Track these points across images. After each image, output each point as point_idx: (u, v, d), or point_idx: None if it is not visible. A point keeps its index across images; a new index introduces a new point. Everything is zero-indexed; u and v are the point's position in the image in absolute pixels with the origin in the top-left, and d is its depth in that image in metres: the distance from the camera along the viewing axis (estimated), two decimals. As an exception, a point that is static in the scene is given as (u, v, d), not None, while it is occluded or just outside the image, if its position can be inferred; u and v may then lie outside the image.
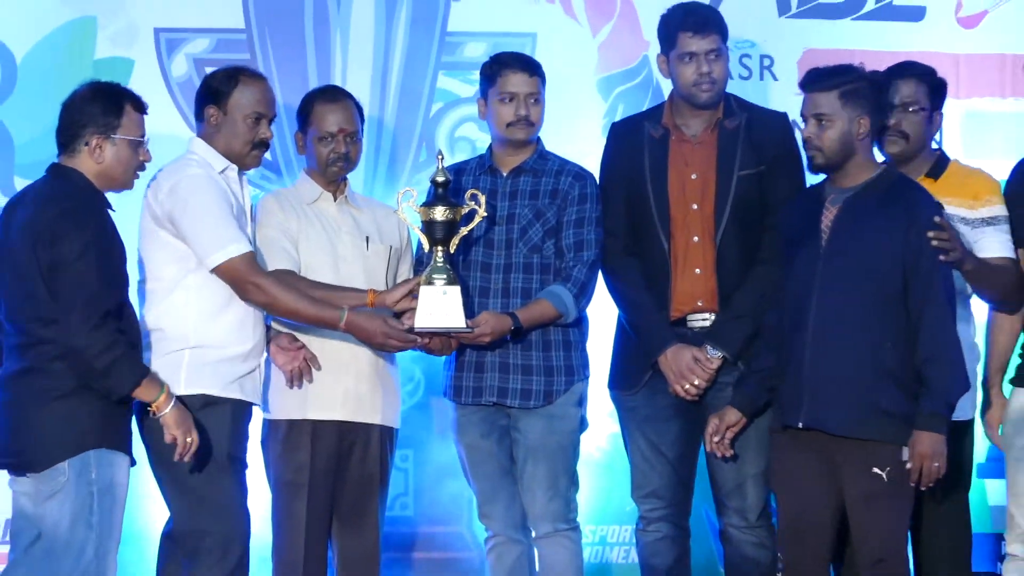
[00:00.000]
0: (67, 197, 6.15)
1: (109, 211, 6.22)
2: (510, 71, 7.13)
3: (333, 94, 7.14)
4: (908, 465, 6.36)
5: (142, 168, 6.36)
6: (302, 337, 6.86)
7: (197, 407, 6.32)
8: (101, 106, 6.22)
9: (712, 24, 7.01)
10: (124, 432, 6.18)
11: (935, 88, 7.02)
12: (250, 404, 6.61)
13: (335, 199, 7.07)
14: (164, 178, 6.47)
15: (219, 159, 6.54)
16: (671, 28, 7.06)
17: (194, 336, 6.40)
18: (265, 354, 6.66)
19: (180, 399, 6.29)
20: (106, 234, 6.10)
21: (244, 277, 6.38)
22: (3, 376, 6.20)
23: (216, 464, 6.39)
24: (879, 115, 6.66)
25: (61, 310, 5.99)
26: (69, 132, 6.24)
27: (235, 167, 6.59)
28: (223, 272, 6.36)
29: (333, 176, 7.04)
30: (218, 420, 6.41)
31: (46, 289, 6.02)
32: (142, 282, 6.52)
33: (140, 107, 6.29)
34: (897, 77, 6.96)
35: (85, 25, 8.29)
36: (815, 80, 6.63)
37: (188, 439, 6.13)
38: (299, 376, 6.79)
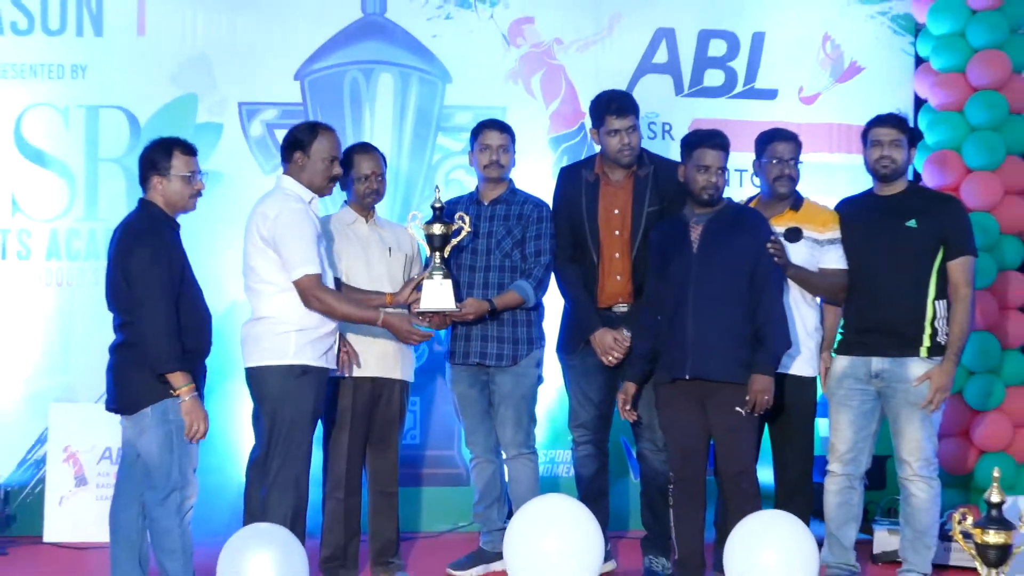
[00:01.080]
0: (139, 224, 6.36)
1: (175, 230, 6.42)
2: (488, 129, 7.46)
3: (366, 148, 7.35)
4: (747, 398, 6.71)
5: (198, 195, 6.48)
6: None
7: (298, 373, 6.58)
8: (156, 154, 6.41)
9: (629, 108, 7.30)
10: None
11: (800, 147, 7.29)
12: (327, 369, 6.78)
13: (367, 222, 7.29)
14: (269, 208, 6.65)
15: (306, 192, 6.72)
16: (600, 111, 7.34)
17: (298, 322, 6.59)
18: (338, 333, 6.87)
19: (277, 368, 6.56)
20: (165, 248, 6.26)
21: (310, 291, 6.55)
22: (112, 346, 6.43)
23: (302, 417, 6.62)
24: None
25: (137, 304, 6.22)
26: (141, 175, 6.47)
27: (316, 197, 6.78)
28: (297, 284, 6.55)
29: (367, 205, 7.29)
30: (311, 383, 6.62)
31: (128, 288, 6.24)
32: (253, 282, 6.69)
33: (188, 151, 6.46)
34: (781, 140, 7.24)
35: (189, 100, 8.61)
36: (714, 142, 6.91)
37: (195, 428, 6.27)
38: (346, 364, 7.00)
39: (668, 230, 7.03)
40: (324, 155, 6.74)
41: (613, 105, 7.30)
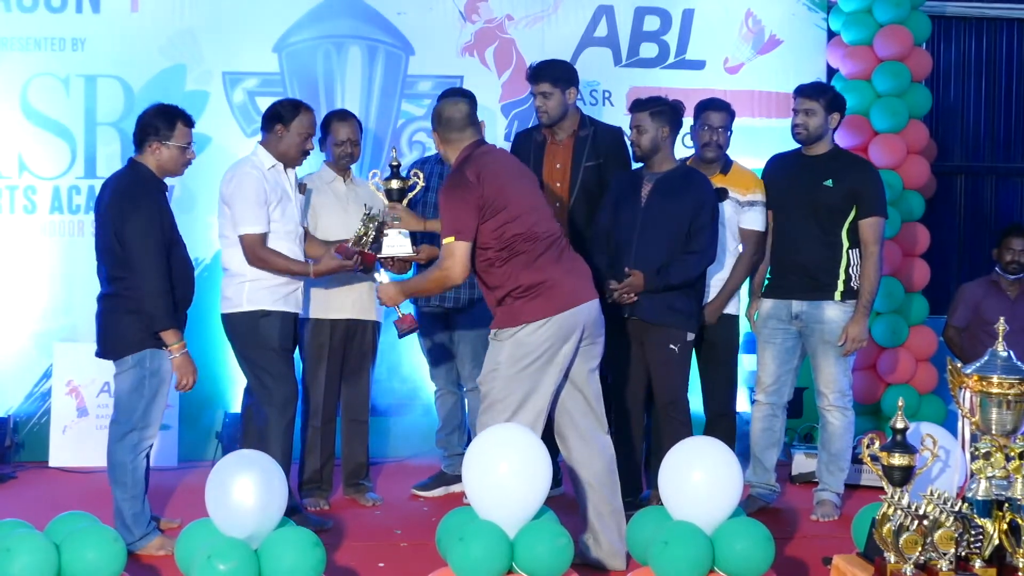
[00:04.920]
0: (132, 186, 6.19)
1: (164, 192, 6.33)
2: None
3: (345, 115, 7.34)
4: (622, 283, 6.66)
5: (189, 163, 6.40)
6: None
7: (258, 317, 6.52)
8: (161, 121, 6.25)
9: (541, 76, 7.22)
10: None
11: (732, 116, 7.25)
12: (294, 313, 6.71)
13: (344, 181, 7.29)
14: (230, 172, 6.64)
15: (270, 159, 6.62)
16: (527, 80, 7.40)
17: (250, 272, 6.53)
18: (303, 280, 6.74)
19: (239, 315, 6.53)
20: (158, 211, 6.15)
21: (250, 249, 6.47)
22: (100, 296, 6.34)
23: (273, 351, 6.55)
24: (677, 127, 6.91)
25: (132, 265, 6.09)
26: (139, 137, 6.29)
27: (281, 165, 6.65)
28: (242, 240, 6.49)
29: (343, 167, 7.28)
30: (272, 324, 6.55)
31: (120, 247, 6.11)
32: (220, 234, 6.68)
33: (189, 123, 6.33)
34: (712, 109, 7.19)
35: (178, 69, 8.49)
36: (635, 105, 6.96)
37: (184, 382, 6.19)
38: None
39: (624, 181, 7.04)
40: (301, 131, 6.66)
41: (529, 73, 7.33)
